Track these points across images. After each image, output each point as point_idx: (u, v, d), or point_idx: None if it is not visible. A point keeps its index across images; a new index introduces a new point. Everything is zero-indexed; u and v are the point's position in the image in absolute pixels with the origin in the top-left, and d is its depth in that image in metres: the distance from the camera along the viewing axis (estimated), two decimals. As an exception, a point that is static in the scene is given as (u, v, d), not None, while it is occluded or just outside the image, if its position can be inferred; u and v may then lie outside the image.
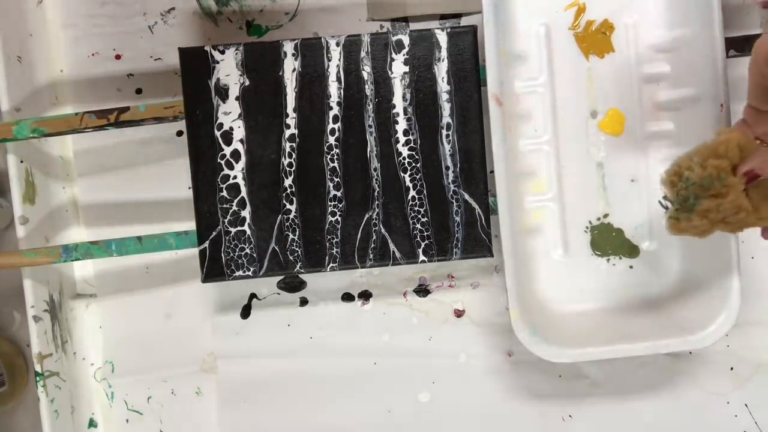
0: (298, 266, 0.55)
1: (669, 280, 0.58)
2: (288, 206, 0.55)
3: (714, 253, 0.54)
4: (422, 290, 0.66)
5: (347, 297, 0.66)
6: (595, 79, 0.58)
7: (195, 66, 0.54)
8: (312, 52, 0.54)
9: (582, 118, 0.59)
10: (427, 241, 0.55)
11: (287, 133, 0.55)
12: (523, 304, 0.55)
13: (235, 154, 0.55)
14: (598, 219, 0.59)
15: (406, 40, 0.55)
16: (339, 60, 0.55)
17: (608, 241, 0.59)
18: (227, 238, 0.55)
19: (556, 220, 0.59)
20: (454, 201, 0.55)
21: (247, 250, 0.55)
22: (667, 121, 0.58)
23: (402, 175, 0.55)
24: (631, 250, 0.59)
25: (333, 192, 0.55)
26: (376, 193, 0.55)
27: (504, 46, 0.55)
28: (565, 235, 0.59)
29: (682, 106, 0.57)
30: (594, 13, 0.58)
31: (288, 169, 0.55)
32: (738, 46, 0.56)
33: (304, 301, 0.66)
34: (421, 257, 0.55)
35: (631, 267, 0.59)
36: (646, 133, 0.58)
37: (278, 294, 0.66)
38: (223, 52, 0.54)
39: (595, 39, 0.58)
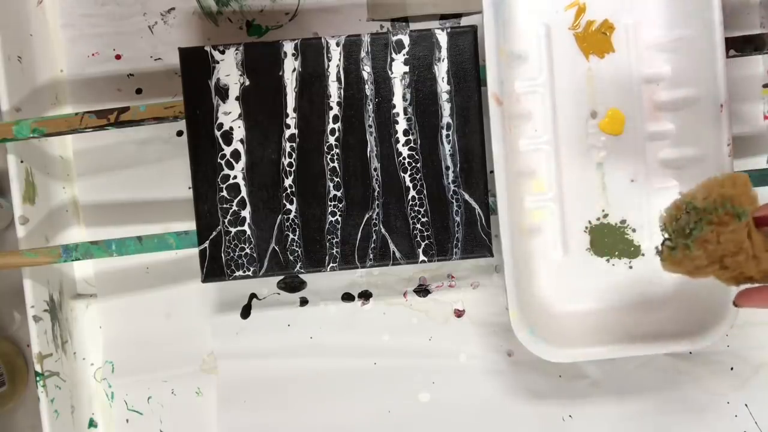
0: (298, 266, 0.55)
1: (669, 280, 0.58)
2: (288, 206, 0.55)
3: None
4: (422, 290, 0.66)
5: (347, 297, 0.66)
6: (595, 79, 0.58)
7: (195, 66, 0.54)
8: (312, 52, 0.54)
9: (582, 118, 0.59)
10: (427, 241, 0.55)
11: (287, 133, 0.55)
12: (523, 304, 0.55)
13: (235, 154, 0.55)
14: (598, 219, 0.59)
15: (406, 40, 0.55)
16: (339, 60, 0.55)
17: (608, 241, 0.59)
18: (227, 238, 0.55)
19: (556, 220, 0.59)
20: (454, 201, 0.55)
21: (247, 250, 0.55)
22: (667, 121, 0.58)
23: (402, 175, 0.55)
24: (630, 250, 0.59)
25: (333, 192, 0.55)
26: (376, 193, 0.55)
27: (504, 46, 0.55)
28: (565, 235, 0.59)
29: (682, 107, 0.57)
30: (594, 13, 0.58)
31: (288, 169, 0.55)
32: (738, 46, 0.56)
33: (304, 301, 0.66)
34: (421, 257, 0.55)
35: (630, 267, 0.59)
36: (646, 134, 0.58)
37: (278, 294, 0.66)
38: (223, 52, 0.54)
39: (595, 39, 0.58)
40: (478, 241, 0.55)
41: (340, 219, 0.55)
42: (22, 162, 0.61)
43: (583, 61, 0.58)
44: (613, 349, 0.55)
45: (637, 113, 0.58)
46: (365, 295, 0.66)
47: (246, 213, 0.55)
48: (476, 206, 0.55)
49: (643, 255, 0.59)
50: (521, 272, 0.56)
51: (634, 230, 0.59)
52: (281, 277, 0.66)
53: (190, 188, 0.56)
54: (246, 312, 0.66)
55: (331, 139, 0.55)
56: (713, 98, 0.54)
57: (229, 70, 0.54)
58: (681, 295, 0.57)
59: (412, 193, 0.55)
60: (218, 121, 0.55)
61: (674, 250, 0.43)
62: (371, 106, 0.55)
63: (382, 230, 0.55)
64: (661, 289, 0.58)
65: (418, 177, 0.55)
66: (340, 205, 0.55)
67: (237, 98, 0.54)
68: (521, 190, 0.58)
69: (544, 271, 0.59)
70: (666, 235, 0.43)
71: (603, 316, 0.58)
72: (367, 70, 0.55)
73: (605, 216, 0.59)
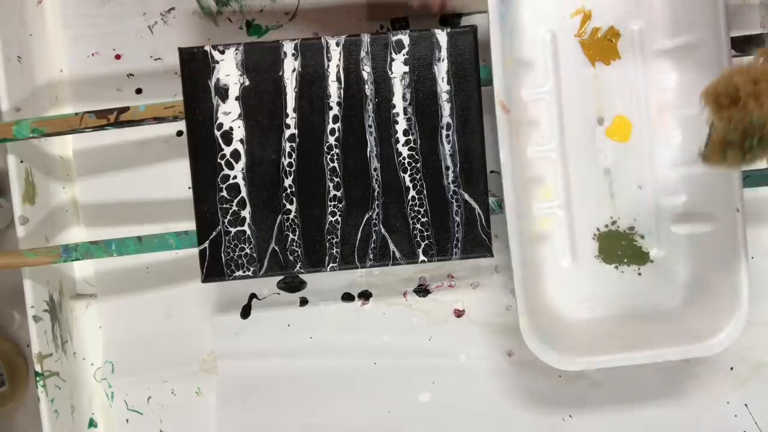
0: (298, 266, 0.55)
1: (677, 287, 0.57)
2: (288, 206, 0.55)
3: (723, 260, 0.54)
4: (422, 290, 0.66)
5: (347, 297, 0.66)
6: (601, 86, 0.58)
7: (195, 66, 0.54)
8: (312, 52, 0.54)
9: (589, 125, 0.58)
10: (427, 241, 0.55)
11: (287, 133, 0.55)
12: (533, 312, 0.54)
13: (235, 154, 0.55)
14: (606, 226, 0.59)
15: (406, 40, 0.55)
16: (339, 60, 0.55)
17: (616, 248, 0.59)
18: (227, 238, 0.55)
19: (564, 227, 0.59)
20: (454, 201, 0.55)
21: (247, 250, 0.55)
22: (674, 127, 0.58)
23: (402, 175, 0.55)
24: (639, 257, 0.59)
25: (333, 192, 0.55)
26: (376, 193, 0.55)
27: (510, 53, 0.55)
28: (573, 242, 0.59)
29: (689, 113, 0.56)
30: (600, 20, 0.58)
31: (288, 169, 0.55)
32: (739, 46, 0.56)
33: (304, 301, 0.66)
34: (421, 257, 0.55)
35: (639, 274, 0.59)
36: (653, 140, 0.58)
37: (278, 294, 0.66)
38: (223, 52, 0.54)
39: (601, 46, 0.58)
40: (478, 241, 0.55)
41: (340, 219, 0.55)
42: (22, 162, 0.61)
43: (589, 68, 0.58)
44: (622, 357, 0.54)
45: (643, 120, 0.58)
46: (365, 295, 0.66)
47: (246, 213, 0.55)
48: (476, 206, 0.55)
49: (651, 262, 0.59)
50: (530, 280, 0.55)
51: (642, 237, 0.59)
52: (281, 277, 0.66)
53: (190, 188, 0.56)
54: (246, 312, 0.66)
55: (331, 139, 0.55)
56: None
57: (229, 70, 0.54)
58: (690, 301, 0.57)
59: (412, 193, 0.55)
60: (218, 121, 0.55)
61: (724, 156, 0.41)
62: (371, 106, 0.55)
63: (382, 230, 0.55)
64: (670, 296, 0.58)
65: (418, 177, 0.55)
66: (340, 205, 0.55)
67: (237, 98, 0.54)
68: (529, 198, 0.58)
69: (553, 278, 0.58)
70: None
71: (611, 323, 0.57)
72: (367, 70, 0.55)
73: (613, 223, 0.59)
